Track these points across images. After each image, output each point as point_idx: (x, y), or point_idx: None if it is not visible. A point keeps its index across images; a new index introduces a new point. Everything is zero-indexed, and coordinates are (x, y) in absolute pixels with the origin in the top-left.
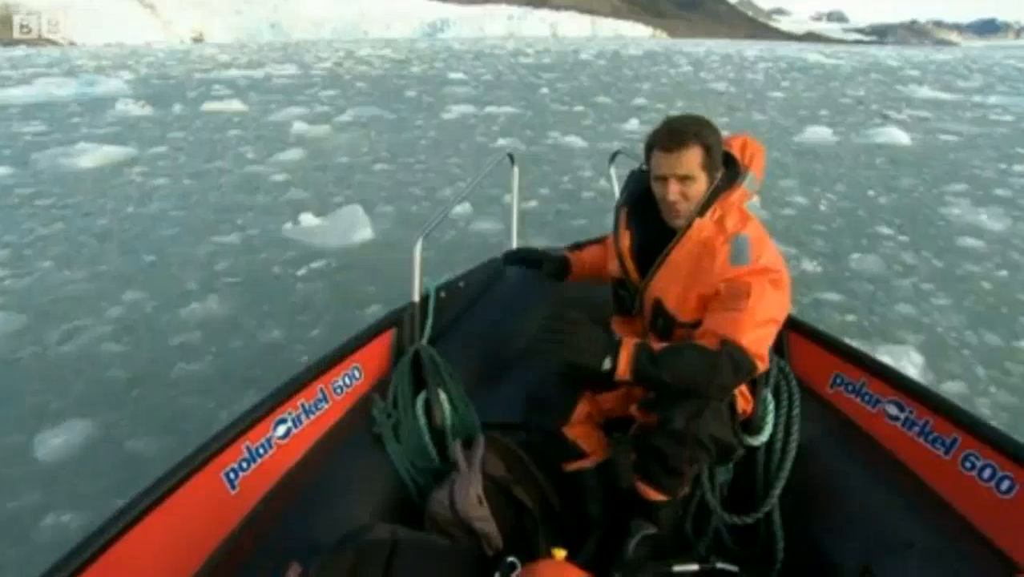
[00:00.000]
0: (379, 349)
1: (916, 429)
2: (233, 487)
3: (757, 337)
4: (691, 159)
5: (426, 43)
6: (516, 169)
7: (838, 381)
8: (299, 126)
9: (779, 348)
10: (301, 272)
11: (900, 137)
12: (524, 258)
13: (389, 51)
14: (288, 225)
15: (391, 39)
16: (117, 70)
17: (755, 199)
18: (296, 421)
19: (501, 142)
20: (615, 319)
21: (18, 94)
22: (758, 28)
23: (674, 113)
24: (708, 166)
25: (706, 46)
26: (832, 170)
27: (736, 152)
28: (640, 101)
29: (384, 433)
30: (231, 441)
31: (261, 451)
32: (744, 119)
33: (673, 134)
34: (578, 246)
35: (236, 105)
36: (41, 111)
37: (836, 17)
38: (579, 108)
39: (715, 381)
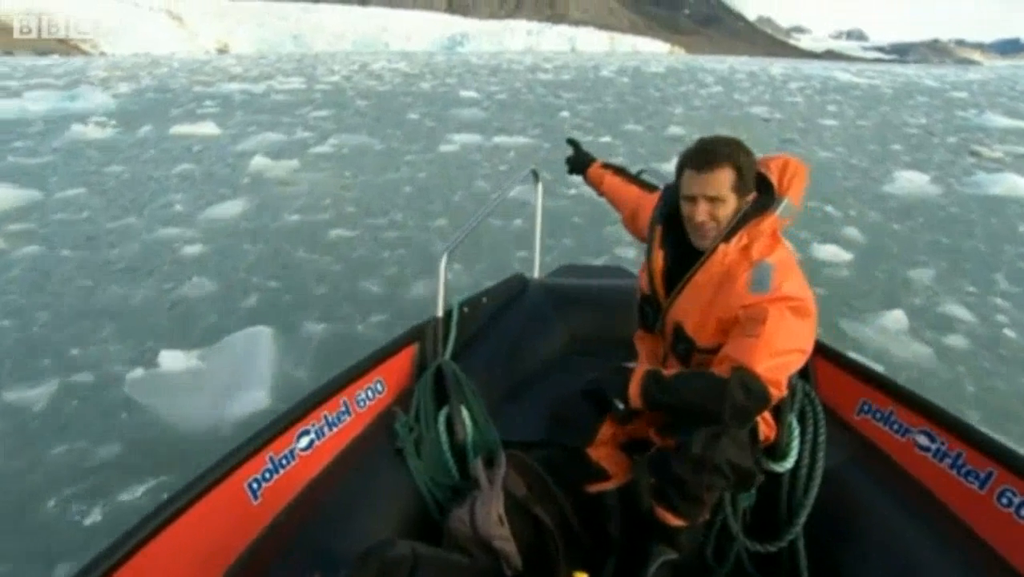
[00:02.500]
0: (402, 363)
1: (948, 461)
2: (256, 497)
3: (775, 365)
4: (722, 180)
5: (443, 57)
6: (540, 185)
7: (865, 408)
8: (260, 162)
9: (805, 373)
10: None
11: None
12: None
13: (404, 65)
14: (135, 373)
15: (410, 52)
16: (120, 82)
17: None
18: (319, 433)
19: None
20: (638, 334)
21: None
22: (777, 46)
23: None
24: (739, 189)
25: (728, 63)
26: (963, 243)
27: (773, 175)
28: (676, 131)
29: (406, 448)
30: (255, 452)
31: (284, 462)
32: (808, 156)
33: (705, 154)
34: (620, 171)
35: (208, 129)
36: None
37: (856, 35)
38: (606, 138)
39: (727, 408)
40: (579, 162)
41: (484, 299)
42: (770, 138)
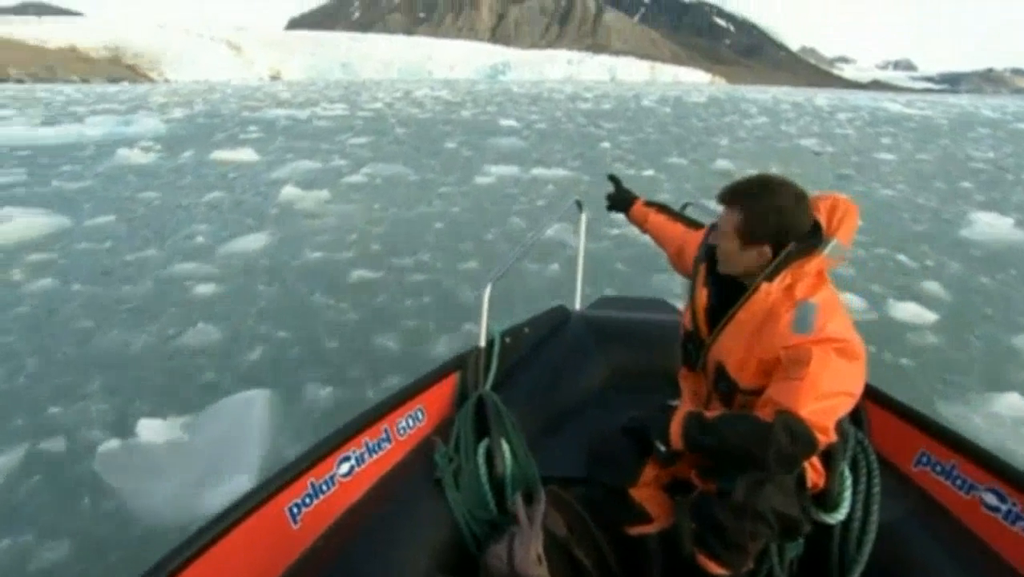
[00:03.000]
0: (443, 392)
1: (1022, 525)
2: (295, 522)
3: (821, 409)
4: (726, 218)
5: (485, 85)
6: (584, 216)
7: (924, 459)
8: (290, 192)
9: (857, 420)
10: None
11: None
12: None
13: (446, 92)
14: (109, 445)
15: (453, 80)
16: (175, 107)
17: None
18: (359, 460)
19: (546, 233)
20: (682, 372)
21: (48, 134)
22: (820, 76)
23: None
24: (742, 233)
25: (770, 93)
26: None
27: (823, 215)
28: (723, 164)
29: (445, 479)
30: (296, 476)
31: (324, 488)
32: (868, 195)
33: (726, 189)
34: (663, 208)
35: (246, 155)
36: (42, 155)
37: (904, 65)
38: (649, 172)
39: (771, 453)
40: (621, 200)
41: (526, 329)
42: (823, 173)
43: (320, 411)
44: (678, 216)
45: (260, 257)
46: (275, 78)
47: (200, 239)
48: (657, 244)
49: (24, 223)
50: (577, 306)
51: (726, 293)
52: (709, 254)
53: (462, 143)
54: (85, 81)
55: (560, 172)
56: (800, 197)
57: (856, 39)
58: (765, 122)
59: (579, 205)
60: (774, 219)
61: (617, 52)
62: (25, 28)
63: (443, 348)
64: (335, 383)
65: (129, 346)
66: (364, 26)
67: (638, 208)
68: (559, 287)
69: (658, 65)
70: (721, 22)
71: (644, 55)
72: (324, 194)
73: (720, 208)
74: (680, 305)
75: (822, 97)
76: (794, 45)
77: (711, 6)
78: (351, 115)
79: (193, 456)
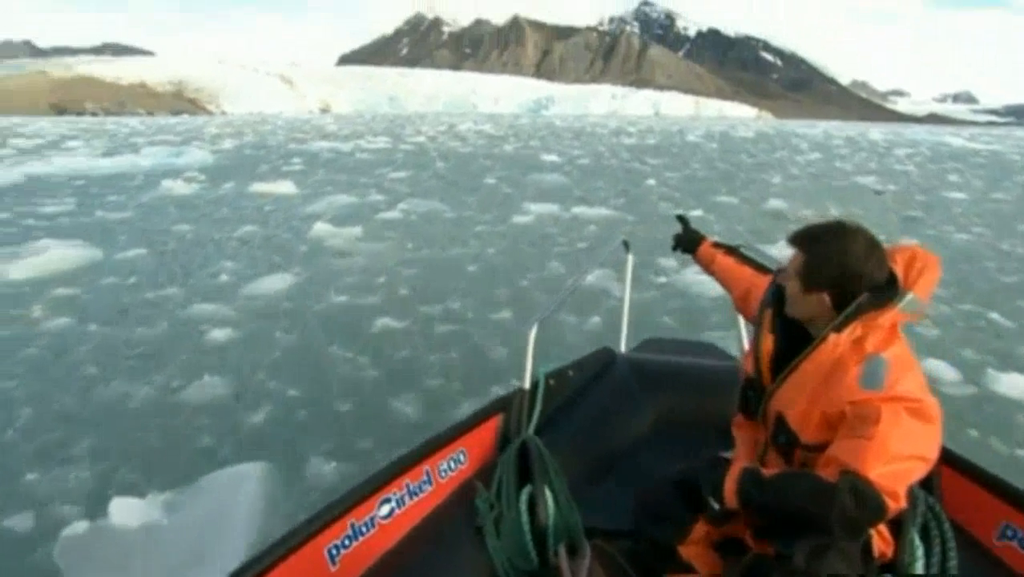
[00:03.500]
0: (485, 434)
1: None
2: (334, 563)
3: (891, 472)
4: (793, 259)
5: (528, 119)
6: (631, 256)
7: (1009, 533)
8: (323, 229)
9: (929, 485)
10: None
11: None
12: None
13: (489, 126)
14: (76, 527)
15: (497, 114)
16: (227, 139)
17: None
18: (400, 502)
19: (587, 279)
20: (737, 420)
21: (104, 164)
22: (873, 109)
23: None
24: (803, 277)
25: (820, 127)
26: None
27: (899, 267)
28: (776, 204)
29: (485, 526)
30: (337, 517)
31: (364, 529)
32: (942, 240)
33: (796, 232)
34: (731, 250)
35: (285, 188)
36: (95, 185)
37: (964, 98)
38: (697, 212)
39: (835, 517)
40: (689, 240)
41: (570, 372)
42: (887, 214)
43: (320, 490)
44: (746, 259)
45: (282, 300)
46: (324, 111)
47: (224, 277)
48: (723, 286)
49: (58, 255)
50: (623, 348)
51: (792, 341)
52: (776, 299)
53: (502, 178)
54: (150, 114)
55: (603, 211)
56: (873, 246)
57: (911, 71)
58: (818, 158)
59: (626, 245)
60: (837, 266)
61: (661, 87)
62: (102, 67)
63: (464, 415)
64: (341, 456)
65: (128, 400)
66: (412, 62)
67: (705, 249)
68: (600, 340)
69: (703, 100)
70: (768, 56)
71: (688, 90)
72: (357, 231)
73: (787, 251)
74: (731, 351)
75: (876, 131)
76: (845, 79)
77: (757, 40)
78: (393, 148)
79: (166, 546)
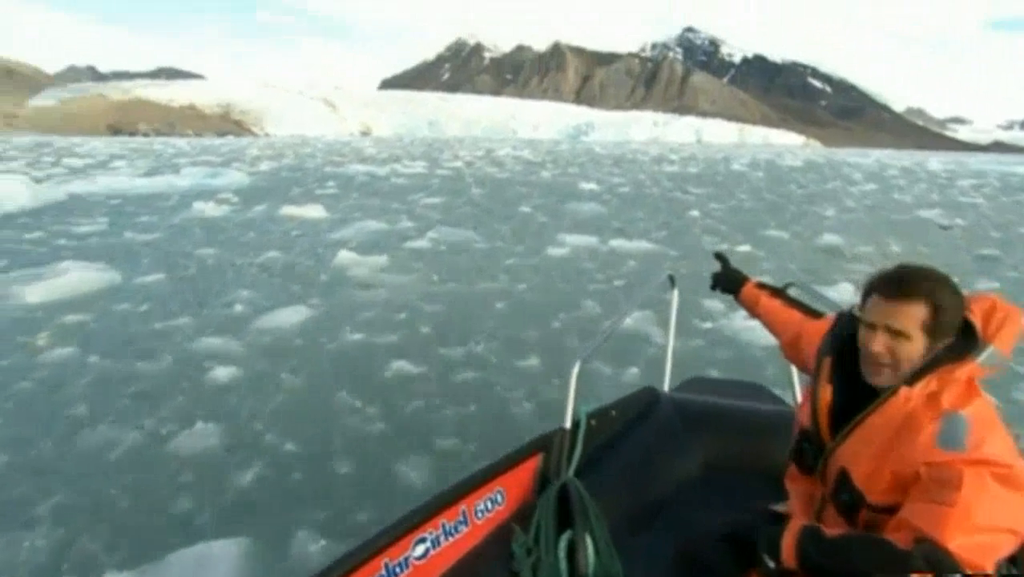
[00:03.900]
0: (524, 475)
1: None
2: None
3: (975, 544)
4: (911, 315)
5: (568, 145)
6: (676, 292)
7: None
8: (347, 257)
9: (1014, 559)
10: None
11: None
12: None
13: (528, 152)
14: None
15: (536, 140)
16: (266, 160)
17: None
18: (435, 542)
19: (625, 321)
20: (791, 473)
21: (142, 184)
22: (929, 137)
23: (890, 263)
24: (932, 330)
25: (873, 156)
26: None
27: (977, 318)
28: (831, 239)
29: (522, 573)
30: (371, 556)
31: (398, 570)
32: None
33: (900, 282)
34: (777, 292)
35: (315, 212)
36: (130, 204)
37: None
38: (744, 247)
39: None
40: (729, 279)
41: (613, 412)
42: (958, 253)
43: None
44: (793, 301)
45: (294, 335)
46: (365, 134)
47: (238, 308)
48: (769, 331)
49: (76, 278)
50: (666, 387)
51: (853, 392)
52: (837, 348)
53: (538, 207)
54: (198, 135)
55: (643, 245)
56: (958, 291)
57: (971, 97)
58: (873, 189)
59: (671, 280)
60: (959, 312)
61: (704, 114)
62: (156, 90)
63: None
64: (332, 532)
65: (112, 448)
66: (452, 87)
67: (749, 290)
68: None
69: (747, 127)
70: (816, 83)
71: (733, 116)
72: (382, 260)
73: (882, 302)
74: (781, 392)
75: (935, 161)
76: (898, 106)
77: (805, 67)
78: (429, 173)
79: None
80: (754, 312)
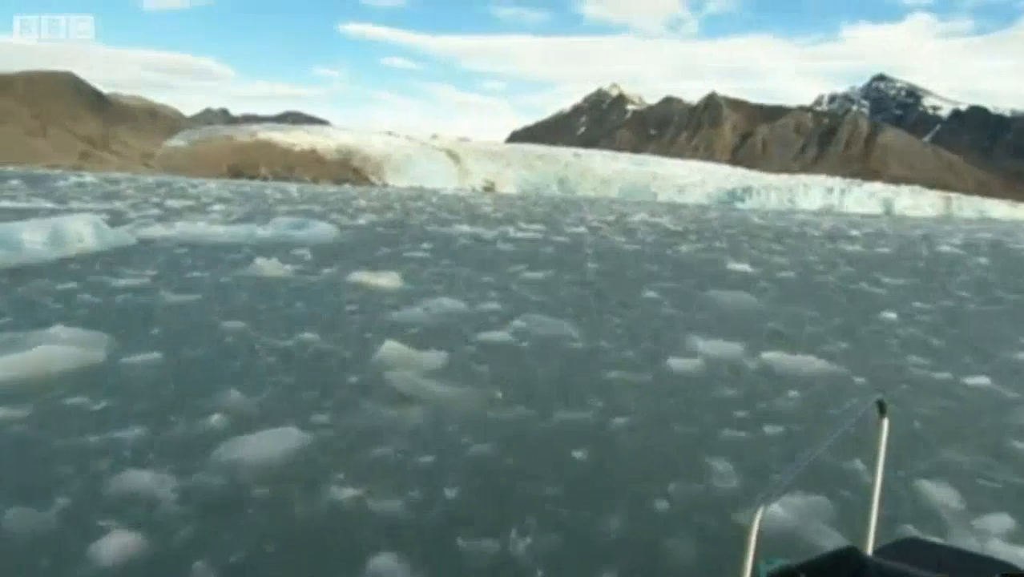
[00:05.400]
0: None
1: None
2: None
3: None
4: None
5: (718, 212)
6: (886, 422)
7: None
8: (395, 351)
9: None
10: None
11: None
12: None
13: (667, 219)
14: None
15: (679, 204)
16: (368, 213)
17: None
18: None
19: (792, 538)
20: None
21: (219, 232)
22: None
23: None
24: None
25: None
26: None
27: None
28: None
29: None
30: None
31: None
32: None
33: None
34: None
35: (388, 280)
36: (192, 256)
37: None
38: (979, 379)
39: None
40: None
41: (802, 575)
42: None
43: None
44: None
45: (272, 477)
46: (488, 189)
47: (214, 419)
48: None
49: (45, 353)
50: (869, 549)
51: None
52: None
53: (667, 292)
54: (315, 181)
55: (812, 361)
56: None
57: None
58: None
59: (880, 407)
60: None
61: (896, 179)
62: (280, 134)
63: None
64: None
65: None
66: (589, 142)
67: None
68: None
69: (956, 196)
70: None
71: (935, 183)
72: (438, 358)
73: None
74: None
75: None
76: None
77: None
78: (543, 239)
79: None
80: None
